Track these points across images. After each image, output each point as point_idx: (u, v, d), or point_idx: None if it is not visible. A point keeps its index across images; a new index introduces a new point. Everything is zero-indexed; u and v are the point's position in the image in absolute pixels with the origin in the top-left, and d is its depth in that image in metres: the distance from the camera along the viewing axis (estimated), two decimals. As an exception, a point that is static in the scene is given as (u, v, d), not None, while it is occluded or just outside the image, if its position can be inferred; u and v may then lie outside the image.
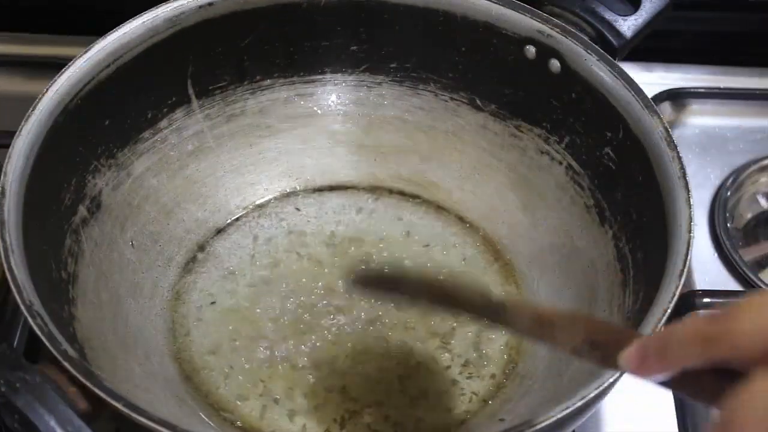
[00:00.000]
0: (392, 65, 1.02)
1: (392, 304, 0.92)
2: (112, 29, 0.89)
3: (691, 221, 0.77)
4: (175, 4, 0.92)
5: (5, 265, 0.72)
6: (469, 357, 0.91)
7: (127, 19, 0.90)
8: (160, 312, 0.93)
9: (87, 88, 0.87)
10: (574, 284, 0.92)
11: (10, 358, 0.66)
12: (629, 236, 0.87)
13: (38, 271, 0.75)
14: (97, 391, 0.67)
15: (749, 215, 1.07)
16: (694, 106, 1.18)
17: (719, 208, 1.05)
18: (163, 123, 0.97)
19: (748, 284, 1.01)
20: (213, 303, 0.95)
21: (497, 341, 0.92)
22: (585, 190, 0.93)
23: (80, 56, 0.87)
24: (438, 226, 1.02)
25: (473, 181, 1.03)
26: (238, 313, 0.94)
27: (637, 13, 0.94)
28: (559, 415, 0.67)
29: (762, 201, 1.07)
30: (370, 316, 0.93)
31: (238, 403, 0.87)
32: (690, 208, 0.78)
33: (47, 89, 0.84)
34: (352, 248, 0.99)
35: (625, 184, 0.89)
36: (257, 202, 1.04)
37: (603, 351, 0.59)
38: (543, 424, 0.67)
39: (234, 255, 0.99)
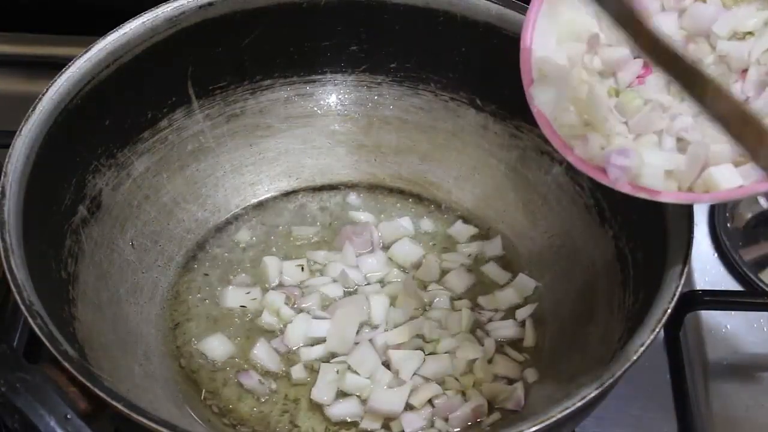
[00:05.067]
0: (392, 65, 1.02)
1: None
2: (112, 29, 0.89)
3: (691, 221, 0.78)
4: (175, 4, 0.92)
5: (5, 265, 0.72)
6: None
7: (127, 19, 0.90)
8: (160, 312, 0.93)
9: (87, 88, 0.87)
10: (574, 284, 0.92)
11: (10, 358, 0.66)
12: (629, 236, 0.87)
13: (38, 271, 0.75)
14: (97, 391, 0.67)
15: (749, 215, 1.07)
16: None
17: (719, 208, 1.05)
18: (163, 123, 0.97)
19: (748, 284, 1.01)
20: (213, 302, 0.95)
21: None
22: (585, 189, 0.93)
23: (80, 56, 0.87)
24: (438, 226, 1.02)
25: (473, 181, 1.03)
26: (238, 313, 0.94)
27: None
28: (559, 416, 0.67)
29: (762, 201, 1.07)
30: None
31: (238, 402, 0.87)
32: (690, 208, 0.78)
33: (47, 89, 0.84)
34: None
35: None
36: (257, 202, 1.04)
37: None
38: (543, 425, 0.67)
39: (234, 255, 0.99)
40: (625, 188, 0.74)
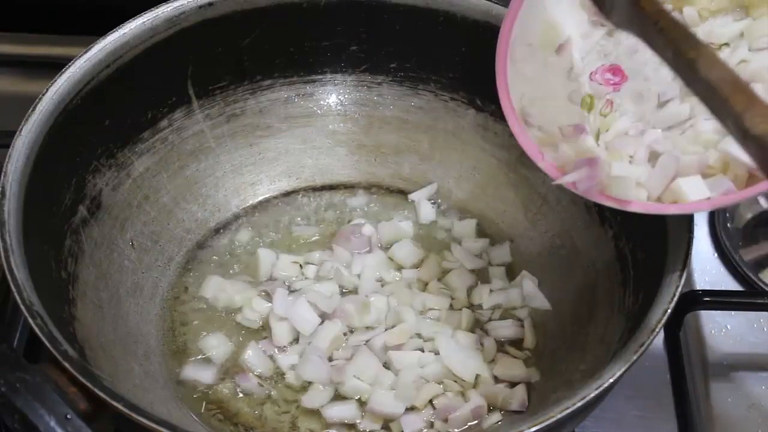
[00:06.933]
0: (392, 65, 1.02)
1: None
2: (112, 29, 0.89)
3: (691, 221, 0.78)
4: (175, 4, 0.92)
5: (5, 265, 0.72)
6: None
7: (127, 19, 0.90)
8: (160, 312, 0.94)
9: (87, 88, 0.87)
10: (574, 284, 0.93)
11: (10, 358, 0.66)
12: (629, 236, 0.87)
13: (38, 271, 0.75)
14: (97, 391, 0.67)
15: (749, 215, 1.07)
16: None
17: (719, 209, 1.05)
18: (163, 123, 0.97)
19: (748, 284, 1.01)
20: (213, 302, 0.95)
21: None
22: (585, 190, 0.93)
23: (80, 56, 0.87)
24: (438, 226, 1.02)
25: (473, 181, 1.03)
26: (238, 313, 0.94)
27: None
28: (559, 416, 0.67)
29: (762, 201, 1.07)
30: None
31: (237, 402, 0.87)
32: (690, 208, 0.78)
33: (47, 89, 0.84)
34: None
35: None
36: (257, 202, 1.04)
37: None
38: (543, 425, 0.67)
39: (234, 254, 0.99)
40: (595, 197, 0.74)
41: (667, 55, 0.63)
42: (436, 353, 0.89)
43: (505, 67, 0.83)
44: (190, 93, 0.98)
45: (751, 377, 0.94)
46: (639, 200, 0.74)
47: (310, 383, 0.87)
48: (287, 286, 0.95)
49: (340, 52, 1.02)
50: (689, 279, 1.01)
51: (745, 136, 0.56)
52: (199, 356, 0.90)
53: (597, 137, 0.80)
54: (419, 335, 0.91)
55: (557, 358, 0.88)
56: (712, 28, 0.78)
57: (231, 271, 0.97)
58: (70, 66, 0.86)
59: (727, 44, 0.77)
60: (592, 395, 0.68)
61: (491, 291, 0.95)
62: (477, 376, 0.88)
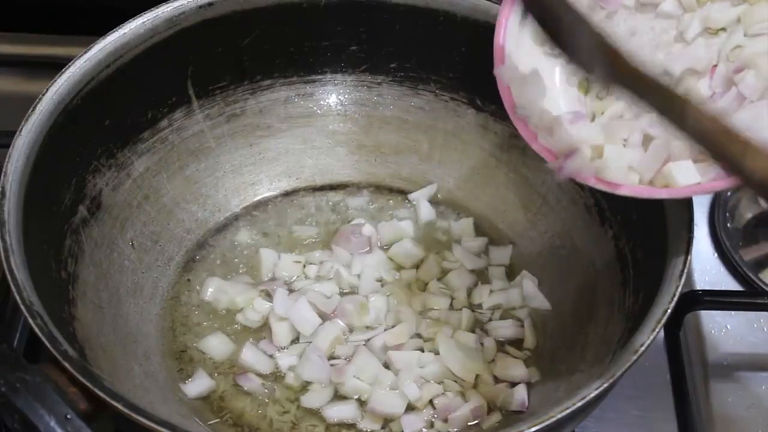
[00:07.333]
0: (392, 65, 1.02)
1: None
2: (112, 29, 0.89)
3: (691, 221, 0.78)
4: (175, 4, 0.92)
5: (5, 265, 0.72)
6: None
7: (127, 19, 0.90)
8: (160, 312, 0.94)
9: (87, 88, 0.87)
10: (574, 284, 0.93)
11: (10, 358, 0.66)
12: (629, 236, 0.87)
13: (38, 271, 0.75)
14: (97, 391, 0.67)
15: (749, 215, 1.07)
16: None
17: (719, 208, 1.05)
18: (163, 123, 0.97)
19: (748, 284, 1.01)
20: (213, 302, 0.95)
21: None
22: (585, 189, 0.93)
23: (80, 56, 0.87)
24: (438, 226, 1.02)
25: (473, 181, 1.03)
26: (238, 312, 0.94)
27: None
28: (559, 416, 0.67)
29: (762, 201, 1.07)
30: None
31: (237, 402, 0.87)
32: (690, 207, 0.78)
33: (47, 89, 0.84)
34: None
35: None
36: (257, 202, 1.04)
37: None
38: (543, 425, 0.67)
39: (234, 254, 0.99)
40: (586, 180, 0.75)
41: (657, 104, 0.65)
42: (436, 353, 0.89)
43: (502, 50, 0.83)
44: (190, 93, 0.98)
45: (751, 377, 0.94)
46: (630, 184, 0.74)
47: (309, 383, 0.87)
48: (287, 286, 0.95)
49: (340, 52, 1.02)
50: (689, 279, 1.01)
51: (747, 180, 0.60)
52: (194, 373, 0.89)
53: (593, 119, 0.80)
54: (419, 335, 0.91)
55: (557, 358, 0.88)
56: (710, 13, 0.78)
57: (231, 271, 0.97)
58: (70, 66, 0.86)
59: (723, 29, 0.77)
60: (592, 395, 0.68)
61: (491, 291, 0.95)
62: (477, 376, 0.88)
